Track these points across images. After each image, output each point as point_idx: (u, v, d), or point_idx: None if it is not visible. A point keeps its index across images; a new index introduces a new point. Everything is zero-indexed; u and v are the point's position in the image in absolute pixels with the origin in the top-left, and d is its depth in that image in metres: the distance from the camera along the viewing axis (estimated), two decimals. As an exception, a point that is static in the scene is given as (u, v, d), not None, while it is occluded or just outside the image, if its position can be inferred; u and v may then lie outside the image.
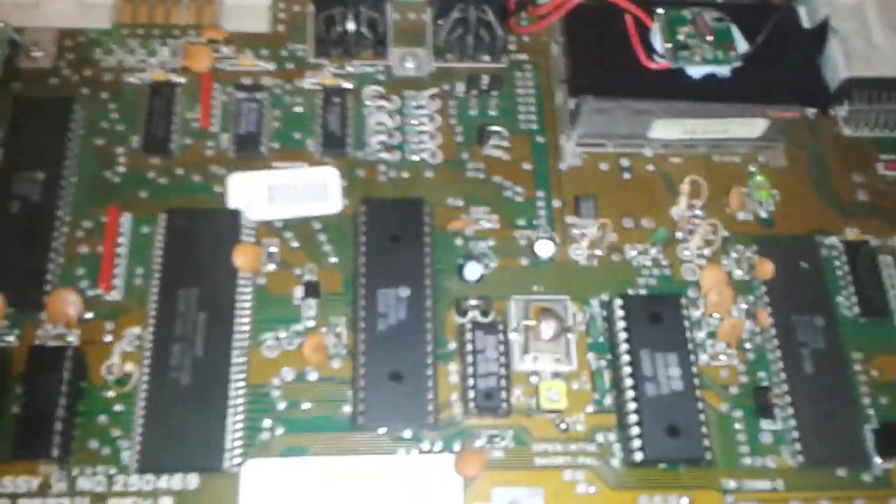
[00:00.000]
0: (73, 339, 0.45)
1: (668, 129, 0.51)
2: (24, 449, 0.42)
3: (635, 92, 0.49)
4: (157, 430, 0.43)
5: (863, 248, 0.51)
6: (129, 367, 0.44)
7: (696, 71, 0.50)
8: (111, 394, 0.44)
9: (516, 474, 0.44)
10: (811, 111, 0.52)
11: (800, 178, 0.54)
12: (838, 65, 0.54)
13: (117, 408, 0.44)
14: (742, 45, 0.50)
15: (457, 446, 0.44)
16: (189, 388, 0.43)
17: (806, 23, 0.55)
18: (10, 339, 0.45)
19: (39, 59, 0.52)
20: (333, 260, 0.48)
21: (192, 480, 0.43)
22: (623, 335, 0.45)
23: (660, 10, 0.51)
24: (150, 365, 0.44)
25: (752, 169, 0.53)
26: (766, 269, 0.49)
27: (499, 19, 0.53)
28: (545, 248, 0.48)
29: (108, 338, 0.45)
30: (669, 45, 0.50)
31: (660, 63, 0.50)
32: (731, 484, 0.44)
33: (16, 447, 0.42)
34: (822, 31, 0.55)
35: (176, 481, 0.43)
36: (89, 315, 0.46)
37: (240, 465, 0.43)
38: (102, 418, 0.44)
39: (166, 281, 0.45)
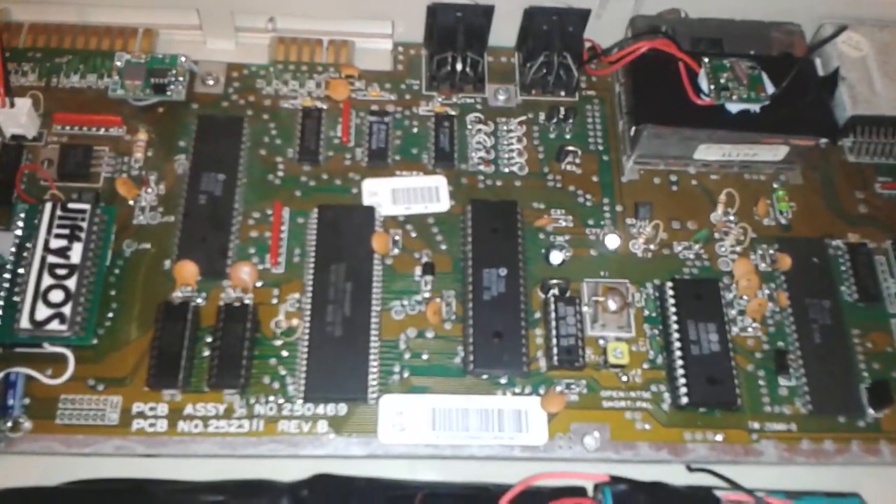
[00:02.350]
0: (248, 301, 0.54)
1: (709, 152, 0.59)
2: (218, 381, 0.51)
3: (685, 122, 0.57)
4: (317, 370, 0.51)
5: (862, 249, 0.58)
6: (294, 322, 0.53)
7: (733, 107, 0.57)
8: (279, 342, 0.53)
9: (588, 413, 0.52)
10: (823, 141, 0.58)
11: (813, 193, 0.61)
12: (846, 105, 0.61)
13: (284, 353, 0.53)
14: (769, 88, 0.57)
15: (541, 391, 0.53)
16: (341, 338, 0.52)
17: (821, 71, 0.63)
18: (199, 300, 0.54)
19: (212, 86, 0.61)
20: (444, 247, 0.57)
21: (342, 409, 0.51)
22: (673, 309, 0.54)
23: (706, 59, 0.58)
24: (310, 321, 0.53)
25: (775, 185, 0.60)
26: (786, 262, 0.56)
27: (575, 64, 0.62)
28: (613, 241, 0.57)
29: (275, 300, 0.54)
30: (713, 87, 0.57)
31: (705, 100, 0.57)
32: (756, 425, 0.52)
33: (210, 380, 0.51)
34: (833, 78, 0.62)
35: (330, 409, 0.51)
36: (259, 283, 0.55)
37: (377, 398, 0.52)
38: (272, 361, 0.52)
39: (321, 257, 0.55)
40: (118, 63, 0.61)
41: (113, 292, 0.54)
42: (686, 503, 0.49)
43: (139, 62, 0.61)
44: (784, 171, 0.61)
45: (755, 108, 0.58)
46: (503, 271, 0.55)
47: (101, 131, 0.60)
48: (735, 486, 0.50)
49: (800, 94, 0.59)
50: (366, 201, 0.58)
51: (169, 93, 0.61)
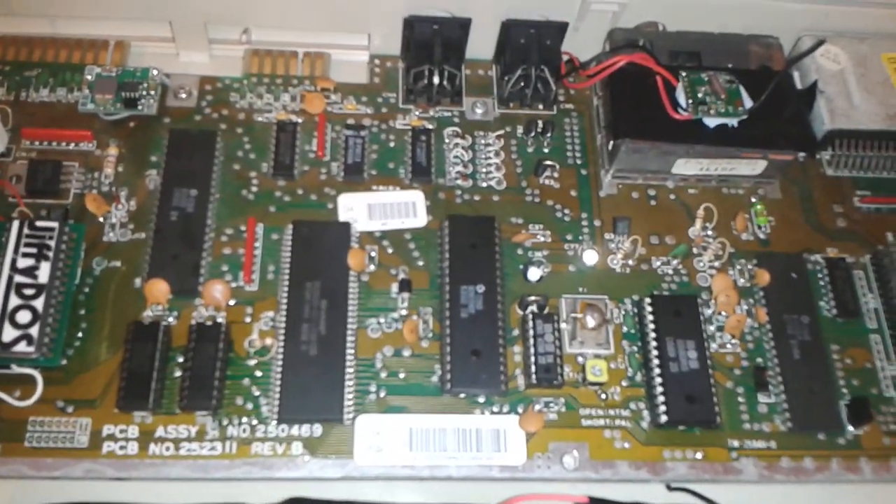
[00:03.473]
0: (221, 320, 0.53)
1: (687, 166, 0.59)
2: (189, 402, 0.50)
3: (663, 136, 0.57)
4: (292, 390, 0.50)
5: (840, 263, 0.58)
6: (268, 341, 0.53)
7: (711, 121, 0.57)
8: (252, 362, 0.52)
9: (567, 432, 0.52)
10: (802, 155, 0.58)
11: (791, 207, 0.61)
12: (824, 119, 0.61)
13: (257, 373, 0.52)
14: (748, 102, 0.57)
15: (520, 410, 0.52)
16: (316, 358, 0.51)
17: (799, 85, 0.63)
18: (171, 319, 0.53)
19: (185, 99, 0.61)
20: (421, 263, 0.56)
21: (318, 430, 0.51)
22: (651, 325, 0.54)
23: (683, 73, 0.58)
24: (284, 340, 0.52)
25: (753, 199, 0.60)
26: (764, 277, 0.56)
27: (553, 77, 0.61)
28: (591, 257, 0.57)
29: (248, 319, 0.53)
30: (691, 101, 0.57)
31: (683, 115, 0.57)
32: (735, 443, 0.52)
33: (182, 401, 0.50)
34: (811, 92, 0.62)
35: (305, 430, 0.50)
36: (232, 302, 0.54)
37: (353, 418, 0.51)
38: (246, 381, 0.52)
39: (295, 275, 0.54)
40: (89, 77, 0.60)
41: (82, 311, 0.54)
42: (665, 524, 0.48)
43: (110, 76, 0.60)
44: (762, 185, 0.62)
45: (733, 122, 0.58)
46: (481, 288, 0.55)
47: (71, 146, 0.59)
48: (714, 505, 0.49)
49: (778, 107, 0.59)
50: (341, 217, 0.58)
51: (140, 107, 0.60)
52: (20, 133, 0.59)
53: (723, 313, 0.56)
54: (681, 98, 0.58)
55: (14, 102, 0.60)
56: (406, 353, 0.54)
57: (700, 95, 0.58)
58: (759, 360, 0.55)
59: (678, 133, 0.58)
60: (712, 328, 0.56)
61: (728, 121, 0.58)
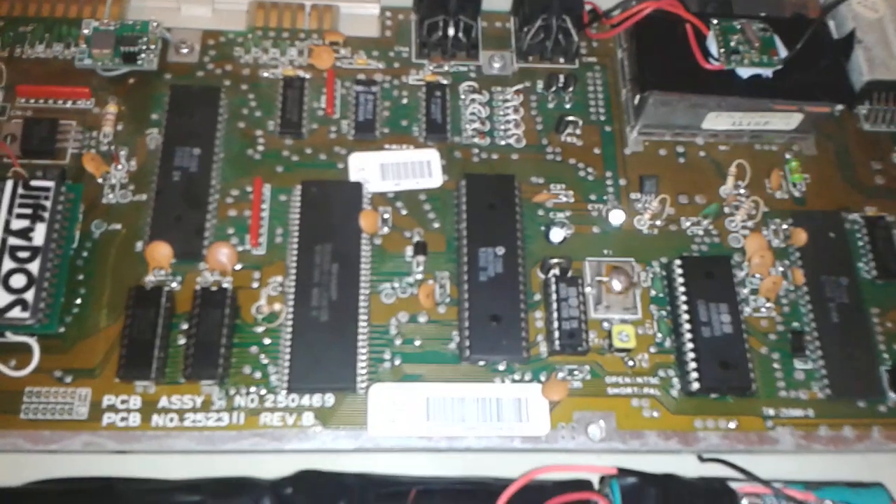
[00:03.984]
0: (227, 285, 0.51)
1: (718, 120, 0.56)
2: (194, 371, 0.48)
3: (694, 88, 0.55)
4: (302, 358, 0.49)
5: (880, 222, 0.56)
6: (276, 307, 0.51)
7: (744, 72, 0.55)
8: (260, 329, 0.50)
9: (592, 400, 0.50)
10: (838, 108, 0.56)
11: (827, 164, 0.58)
12: (862, 69, 0.59)
13: (266, 340, 0.50)
14: (782, 52, 0.55)
15: (542, 378, 0.50)
16: (327, 324, 0.49)
17: (835, 34, 0.61)
18: (174, 284, 0.51)
19: (187, 55, 0.58)
20: (436, 225, 0.54)
21: (330, 399, 0.49)
22: (682, 289, 0.51)
23: (714, 21, 0.56)
24: (294, 305, 0.50)
25: (788, 156, 0.58)
26: (801, 237, 0.54)
27: (575, 27, 0.58)
28: (617, 217, 0.54)
29: (255, 284, 0.51)
30: (723, 50, 0.55)
31: (714, 65, 0.55)
32: (770, 412, 0.50)
33: (186, 370, 0.48)
34: (848, 41, 0.60)
35: (316, 400, 0.49)
36: (238, 266, 0.52)
37: (367, 388, 0.49)
38: (253, 349, 0.50)
39: (305, 237, 0.52)
40: (85, 31, 0.58)
41: (80, 277, 0.52)
42: (700, 496, 0.46)
43: (108, 29, 0.58)
44: (797, 141, 0.59)
45: (767, 72, 0.56)
46: (500, 250, 0.52)
47: (68, 104, 0.57)
48: (751, 476, 0.47)
49: (814, 58, 0.56)
50: (352, 177, 0.56)
51: (140, 62, 0.58)
52: (15, 91, 0.57)
53: (757, 275, 0.54)
54: (712, 47, 0.56)
55: (8, 59, 0.58)
56: (422, 318, 0.52)
57: (732, 44, 0.56)
58: (796, 323, 0.53)
59: (709, 84, 0.55)
60: (745, 291, 0.53)
61: (762, 71, 0.56)
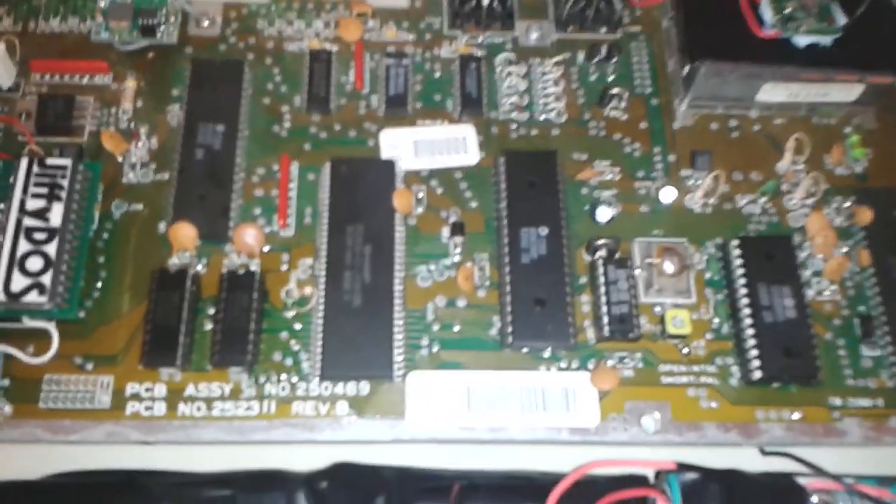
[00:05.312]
0: (254, 268, 0.49)
1: (774, 92, 0.53)
2: (222, 357, 0.46)
3: (747, 57, 0.52)
4: (335, 344, 0.46)
5: None
6: (307, 290, 0.48)
7: (801, 40, 0.53)
8: (290, 314, 0.48)
9: (645, 390, 0.47)
10: None
11: (890, 138, 0.55)
12: None
13: (297, 326, 0.48)
14: (841, 18, 0.53)
15: (591, 365, 0.47)
16: (360, 309, 0.47)
17: None
18: (199, 267, 0.49)
19: (208, 27, 0.56)
20: (474, 204, 0.52)
21: (364, 388, 0.46)
22: (741, 271, 0.48)
23: None
24: (325, 289, 0.47)
25: (847, 130, 0.55)
26: (866, 215, 0.51)
27: None
28: (668, 194, 0.51)
29: (285, 267, 0.49)
30: (778, 17, 0.52)
31: (769, 32, 0.52)
32: (837, 402, 0.47)
33: (213, 356, 0.46)
34: None
35: (350, 388, 0.46)
36: (266, 248, 0.50)
37: (404, 375, 0.47)
38: (283, 334, 0.48)
39: (335, 218, 0.49)
40: (102, 3, 0.56)
41: (101, 259, 0.49)
42: (766, 493, 0.43)
43: (125, 2, 0.56)
44: (857, 114, 0.56)
45: (826, 40, 0.53)
46: (543, 231, 0.50)
47: (85, 79, 0.55)
48: (819, 471, 0.44)
49: (875, 24, 0.53)
50: (384, 154, 0.53)
51: (159, 35, 0.56)
52: (29, 66, 0.55)
53: (819, 257, 0.50)
54: (766, 14, 0.53)
55: (22, 33, 0.56)
56: (461, 303, 0.49)
57: (788, 11, 0.53)
58: (862, 307, 0.50)
59: (764, 53, 0.53)
60: (808, 273, 0.50)
61: (820, 39, 0.53)
